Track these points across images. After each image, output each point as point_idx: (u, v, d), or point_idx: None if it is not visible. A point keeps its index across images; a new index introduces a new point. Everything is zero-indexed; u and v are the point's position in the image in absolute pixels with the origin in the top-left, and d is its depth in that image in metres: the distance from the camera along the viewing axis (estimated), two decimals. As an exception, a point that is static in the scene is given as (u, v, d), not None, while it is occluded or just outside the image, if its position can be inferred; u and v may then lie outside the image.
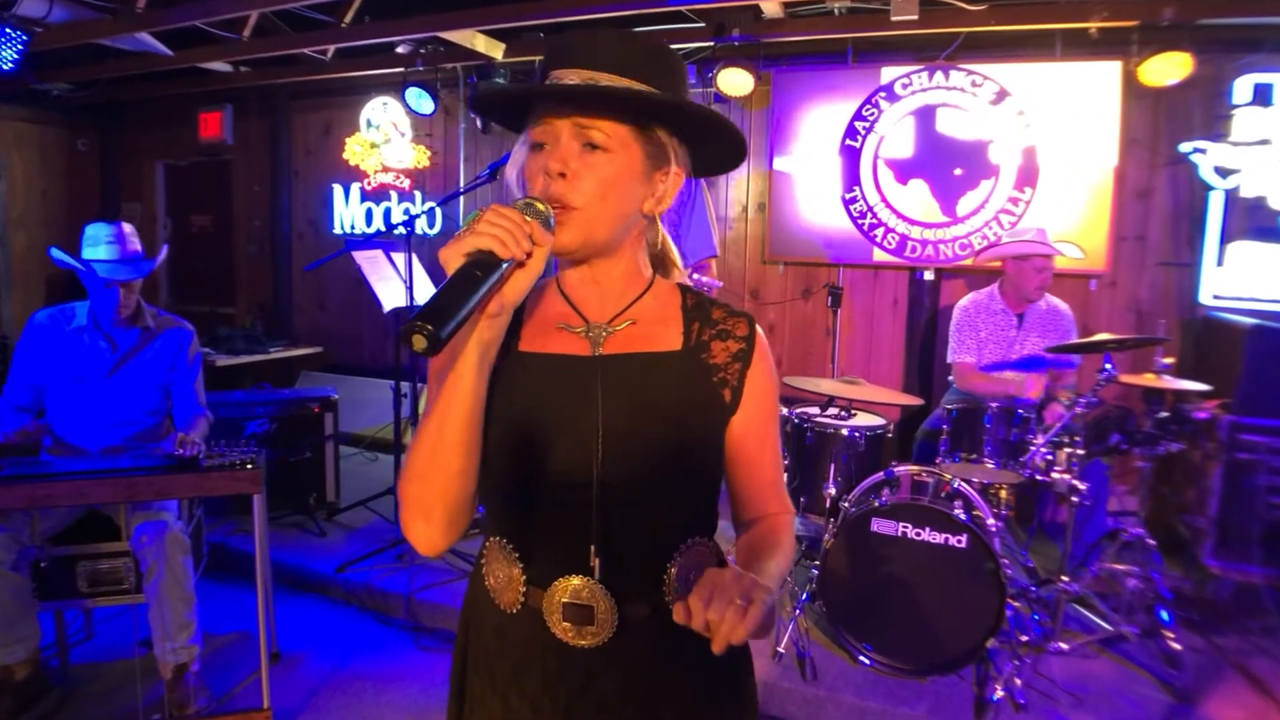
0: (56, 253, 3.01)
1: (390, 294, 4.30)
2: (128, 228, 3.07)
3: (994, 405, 3.23)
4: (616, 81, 1.07)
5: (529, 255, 1.00)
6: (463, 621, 1.29)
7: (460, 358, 1.02)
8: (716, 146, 1.19)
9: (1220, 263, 4.29)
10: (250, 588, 3.77)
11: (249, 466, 2.75)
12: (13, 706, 2.77)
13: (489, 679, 1.22)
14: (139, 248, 3.10)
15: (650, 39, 1.14)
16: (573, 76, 1.07)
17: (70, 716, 2.90)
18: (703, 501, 1.20)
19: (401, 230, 3.88)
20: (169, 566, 2.81)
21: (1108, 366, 3.06)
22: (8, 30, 4.22)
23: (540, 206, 1.03)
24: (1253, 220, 4.21)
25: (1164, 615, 3.18)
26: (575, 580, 1.12)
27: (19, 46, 4.31)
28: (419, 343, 0.88)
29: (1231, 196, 4.24)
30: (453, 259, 0.96)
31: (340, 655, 3.39)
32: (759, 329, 1.22)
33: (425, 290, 4.27)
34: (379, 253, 4.34)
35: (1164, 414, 3.37)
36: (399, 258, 4.35)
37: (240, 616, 3.61)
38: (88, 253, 2.98)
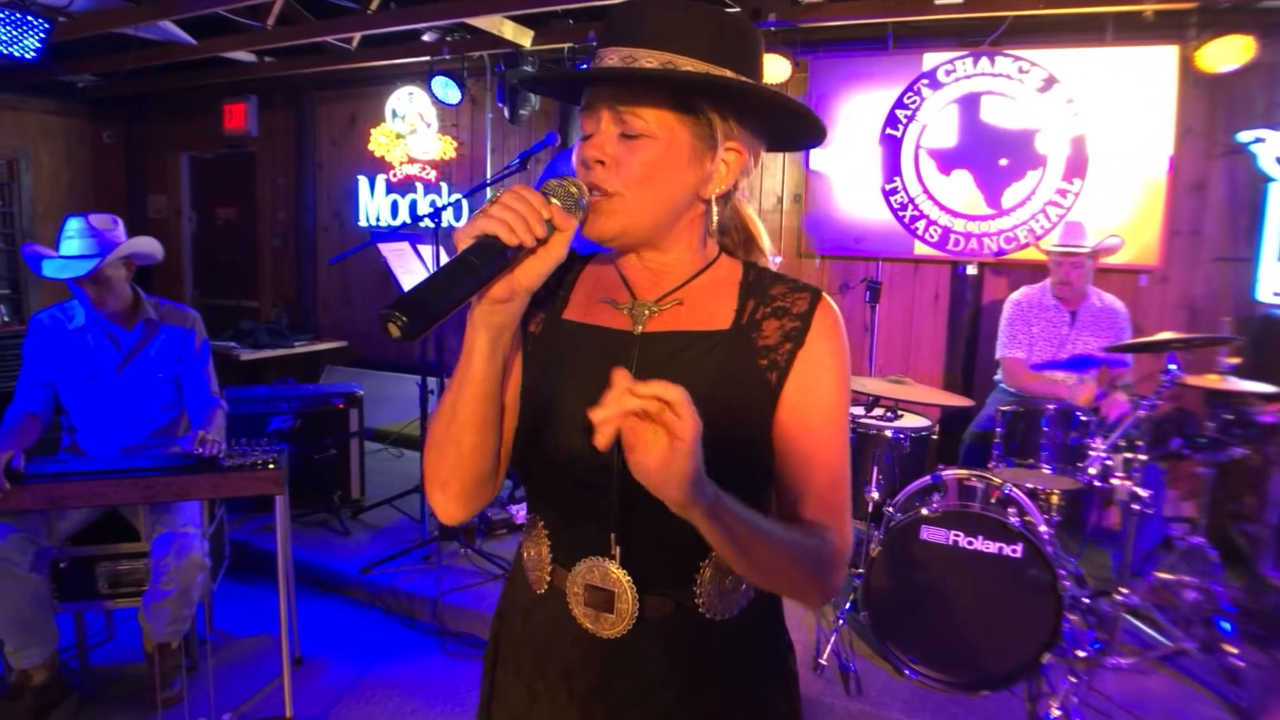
0: (30, 250, 2.90)
1: (416, 287, 4.20)
2: (97, 220, 2.89)
3: (1051, 407, 3.08)
4: (658, 58, 0.98)
5: (541, 241, 0.94)
6: (500, 606, 1.24)
7: (470, 340, 0.99)
8: (783, 119, 1.09)
9: (1281, 258, 4.10)
10: (272, 587, 3.71)
11: (271, 466, 2.66)
12: (31, 710, 2.70)
13: (515, 667, 1.17)
14: (116, 237, 2.91)
15: (709, 6, 1.02)
16: (613, 56, 1.00)
17: (89, 721, 2.83)
18: (744, 497, 1.05)
19: (428, 223, 3.77)
20: (182, 589, 2.74)
21: (1172, 367, 2.90)
22: (30, 18, 4.16)
23: (572, 188, 0.98)
24: (1316, 214, 4.02)
25: (1225, 627, 3.04)
26: (600, 563, 1.06)
27: (42, 34, 4.25)
28: (393, 330, 0.84)
29: (1294, 188, 4.05)
30: (461, 241, 0.92)
31: (364, 660, 3.30)
32: (828, 304, 1.08)
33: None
34: (405, 245, 4.25)
35: (1228, 417, 3.20)
36: (426, 250, 4.25)
37: (262, 618, 3.53)
38: (61, 248, 2.85)
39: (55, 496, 2.52)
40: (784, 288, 1.10)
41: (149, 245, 3.01)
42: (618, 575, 1.04)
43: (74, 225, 2.84)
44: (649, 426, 0.80)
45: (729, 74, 0.99)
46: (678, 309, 1.08)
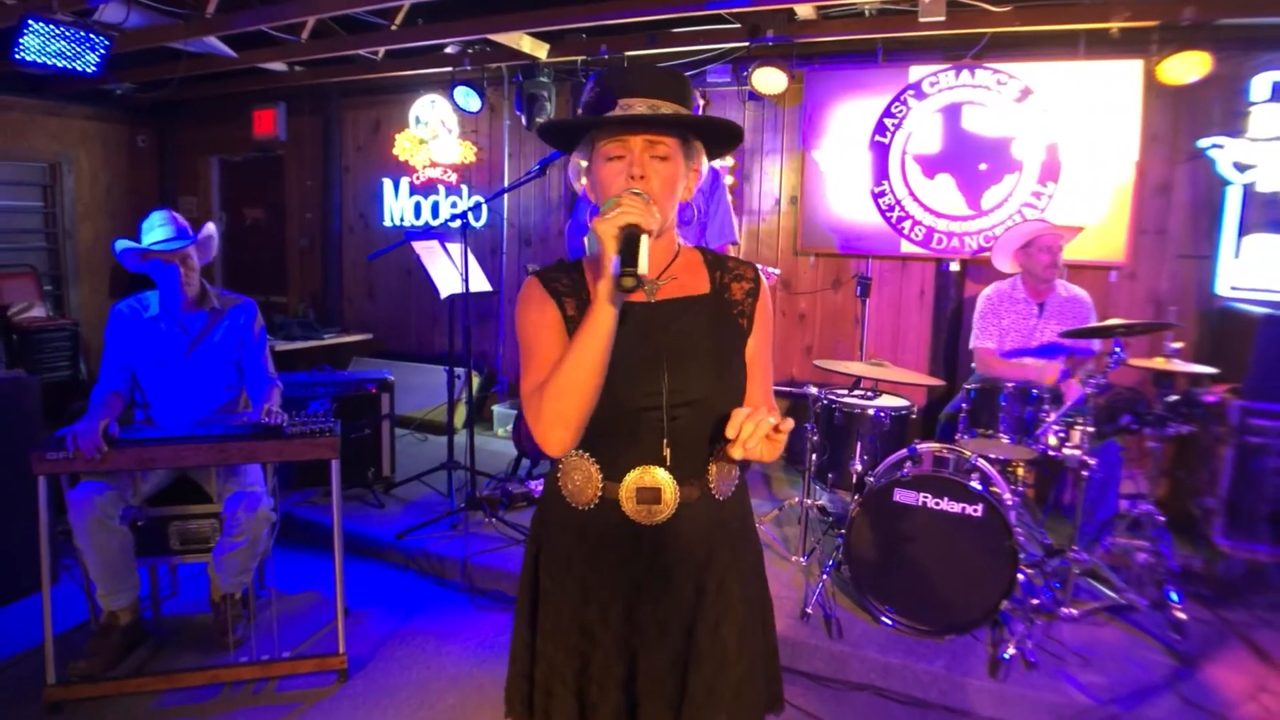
0: (122, 243, 3.23)
1: (446, 281, 4.58)
2: (174, 213, 3.30)
3: (1010, 385, 3.43)
4: (669, 107, 1.41)
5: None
6: (533, 540, 1.63)
7: (599, 310, 1.32)
8: (723, 142, 1.56)
9: (1237, 255, 4.43)
10: (315, 553, 4.14)
11: (328, 434, 3.04)
12: (119, 647, 3.10)
13: (565, 570, 1.54)
14: (188, 224, 3.32)
15: (673, 70, 1.51)
16: (640, 105, 1.40)
17: (165, 660, 3.21)
18: (736, 398, 1.52)
19: (457, 223, 4.16)
20: (252, 540, 3.16)
21: (1117, 350, 3.24)
22: (93, 36, 4.53)
23: (645, 196, 1.35)
24: (1269, 214, 4.32)
25: (1173, 596, 3.33)
26: (648, 470, 1.46)
27: (103, 51, 4.62)
28: (630, 282, 1.25)
29: (1249, 191, 4.37)
30: (609, 229, 1.29)
31: (403, 613, 3.68)
32: (761, 273, 1.61)
33: (478, 277, 4.57)
34: (435, 243, 4.63)
35: (1174, 397, 3.55)
36: (453, 248, 4.64)
37: (308, 578, 3.93)
38: (147, 239, 3.20)
39: (144, 458, 2.91)
40: (734, 262, 1.60)
41: (212, 229, 3.42)
42: (664, 476, 1.45)
43: (160, 216, 3.23)
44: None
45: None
46: (673, 282, 1.52)
